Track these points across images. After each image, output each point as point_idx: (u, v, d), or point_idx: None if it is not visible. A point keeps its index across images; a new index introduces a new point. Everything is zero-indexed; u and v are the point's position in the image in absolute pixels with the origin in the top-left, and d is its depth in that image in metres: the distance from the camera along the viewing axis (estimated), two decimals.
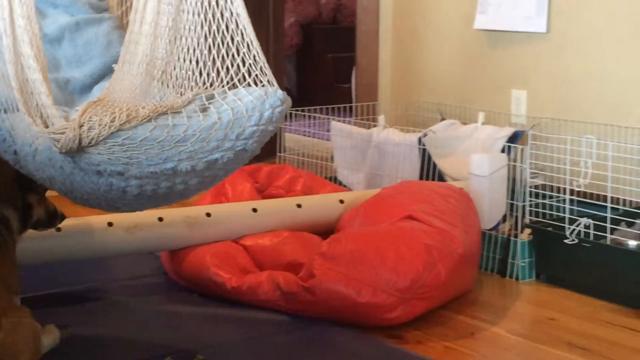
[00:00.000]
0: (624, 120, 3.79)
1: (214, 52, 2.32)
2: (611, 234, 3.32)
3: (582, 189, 3.40)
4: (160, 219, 3.27)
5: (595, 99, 3.95)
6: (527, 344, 2.91)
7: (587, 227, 3.35)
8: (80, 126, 2.26)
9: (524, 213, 3.58)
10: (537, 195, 3.58)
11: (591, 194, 3.52)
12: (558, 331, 3.00)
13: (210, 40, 2.33)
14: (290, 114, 4.45)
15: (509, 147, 3.85)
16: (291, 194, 3.76)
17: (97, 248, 3.22)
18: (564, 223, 3.37)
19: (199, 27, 2.35)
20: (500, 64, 4.35)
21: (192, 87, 2.36)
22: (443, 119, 4.41)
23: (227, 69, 2.31)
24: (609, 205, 3.33)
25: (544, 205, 3.58)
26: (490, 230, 3.59)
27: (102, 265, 3.57)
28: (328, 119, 4.46)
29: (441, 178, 3.92)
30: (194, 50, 2.36)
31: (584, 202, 3.46)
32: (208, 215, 3.36)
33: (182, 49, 2.38)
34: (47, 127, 2.35)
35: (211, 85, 2.35)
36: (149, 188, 2.30)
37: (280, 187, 3.82)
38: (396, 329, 2.97)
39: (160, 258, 3.50)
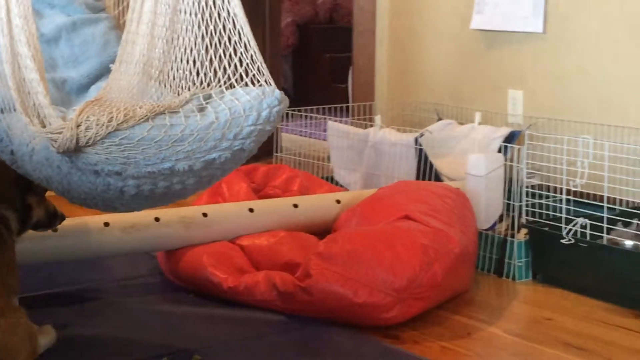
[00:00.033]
0: (620, 120, 3.79)
1: (211, 51, 2.32)
2: (608, 234, 3.33)
3: (578, 189, 3.40)
4: (157, 219, 3.27)
5: (592, 98, 3.95)
6: (523, 344, 2.91)
7: (583, 227, 3.35)
8: (78, 126, 2.26)
9: (520, 213, 3.58)
10: (533, 195, 3.58)
11: (588, 194, 3.52)
12: (554, 331, 3.00)
13: (207, 40, 2.33)
14: (287, 114, 4.45)
15: (506, 147, 3.85)
16: (288, 194, 3.76)
17: (94, 248, 3.21)
18: (561, 223, 3.38)
19: (196, 27, 2.35)
20: (497, 64, 4.35)
21: (189, 87, 2.36)
22: (440, 119, 4.41)
23: (225, 68, 2.31)
24: (605, 205, 3.33)
25: (540, 205, 3.58)
26: (486, 230, 3.59)
27: (98, 265, 3.57)
28: (325, 119, 4.46)
29: (438, 178, 3.92)
30: (191, 50, 2.36)
31: (580, 202, 3.46)
32: (204, 215, 3.35)
33: (180, 48, 2.38)
34: (44, 126, 2.35)
35: (208, 85, 2.34)
36: (147, 188, 2.30)
37: (277, 187, 3.82)
38: (393, 329, 2.97)
39: (156, 258, 3.50)
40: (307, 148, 4.71)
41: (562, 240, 3.34)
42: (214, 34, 2.32)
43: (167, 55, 2.40)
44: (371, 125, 4.36)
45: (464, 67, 4.52)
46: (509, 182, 3.66)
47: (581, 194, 3.50)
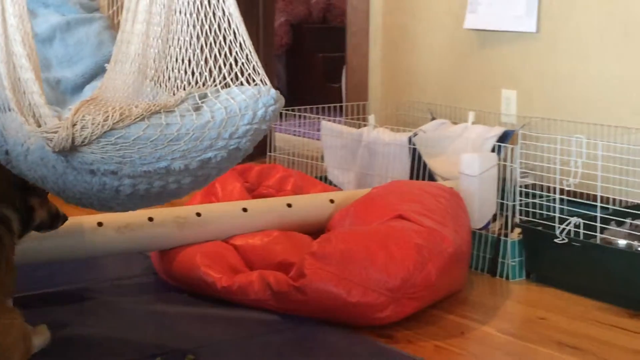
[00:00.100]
0: (613, 120, 3.80)
1: (206, 51, 2.32)
2: (601, 233, 3.33)
3: (572, 189, 3.41)
4: (151, 219, 3.27)
5: (585, 98, 3.96)
6: (517, 343, 2.92)
7: (577, 226, 3.35)
8: (73, 125, 2.25)
9: (514, 212, 3.59)
10: (527, 195, 3.58)
11: (581, 193, 3.53)
12: (548, 330, 3.01)
13: (203, 39, 2.33)
14: (281, 113, 4.42)
15: (499, 146, 3.85)
16: (281, 194, 3.76)
17: (87, 248, 3.21)
18: (554, 222, 3.38)
19: (191, 26, 2.34)
20: (490, 63, 4.35)
21: (185, 86, 2.36)
22: (433, 119, 4.41)
23: (220, 68, 2.31)
24: (598, 204, 3.34)
25: (534, 205, 3.58)
26: (480, 229, 3.60)
27: (92, 265, 3.57)
28: (318, 118, 4.46)
29: (431, 177, 3.92)
30: (187, 49, 2.35)
31: (574, 201, 3.47)
32: (198, 215, 3.35)
33: (175, 48, 2.37)
34: (39, 126, 2.35)
35: (204, 84, 2.34)
36: (142, 187, 2.30)
37: (271, 187, 3.82)
38: (387, 329, 2.97)
39: (150, 258, 3.49)
40: (301, 148, 4.71)
41: (555, 240, 3.35)
42: (209, 33, 2.32)
43: (162, 55, 2.39)
44: (365, 125, 4.36)
45: (457, 66, 4.53)
46: (502, 182, 3.66)
47: (574, 194, 3.50)
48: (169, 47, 2.39)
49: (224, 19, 2.32)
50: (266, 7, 5.95)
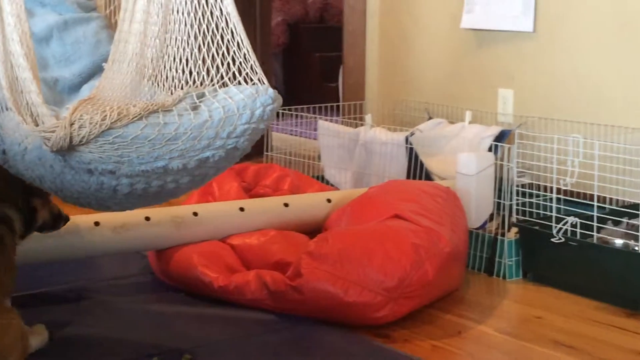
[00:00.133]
0: (610, 119, 3.80)
1: (204, 50, 2.32)
2: (598, 232, 3.33)
3: (568, 188, 3.41)
4: (147, 219, 3.27)
5: (582, 98, 3.96)
6: (514, 342, 2.92)
7: (573, 226, 3.36)
8: (71, 124, 2.25)
9: (511, 212, 3.59)
10: (524, 194, 3.58)
11: (578, 192, 3.53)
12: (545, 329, 3.01)
13: (200, 38, 2.33)
14: (278, 113, 4.42)
15: (496, 146, 3.86)
16: (278, 193, 3.75)
17: (84, 247, 3.20)
18: (551, 222, 3.38)
19: (189, 26, 2.34)
20: (487, 63, 4.36)
21: (182, 86, 2.36)
22: (430, 118, 4.42)
23: (218, 67, 2.31)
24: (595, 204, 3.34)
25: (530, 204, 3.58)
26: (477, 229, 3.60)
27: (88, 264, 3.56)
28: (315, 118, 4.46)
29: (428, 177, 3.93)
30: (184, 49, 2.35)
31: (570, 201, 3.47)
32: (195, 214, 3.35)
33: (172, 47, 2.37)
34: (37, 125, 2.35)
35: (202, 83, 2.34)
36: (140, 187, 2.30)
37: (268, 186, 3.82)
38: (384, 328, 2.97)
39: (147, 257, 3.49)
40: (298, 147, 4.71)
41: (552, 239, 3.35)
42: (207, 32, 2.32)
43: (160, 54, 2.39)
44: (362, 125, 4.36)
45: (454, 66, 4.53)
46: (499, 181, 3.66)
47: (571, 193, 3.50)
48: (167, 46, 2.39)
49: (221, 19, 2.32)
50: (263, 7, 5.95)
